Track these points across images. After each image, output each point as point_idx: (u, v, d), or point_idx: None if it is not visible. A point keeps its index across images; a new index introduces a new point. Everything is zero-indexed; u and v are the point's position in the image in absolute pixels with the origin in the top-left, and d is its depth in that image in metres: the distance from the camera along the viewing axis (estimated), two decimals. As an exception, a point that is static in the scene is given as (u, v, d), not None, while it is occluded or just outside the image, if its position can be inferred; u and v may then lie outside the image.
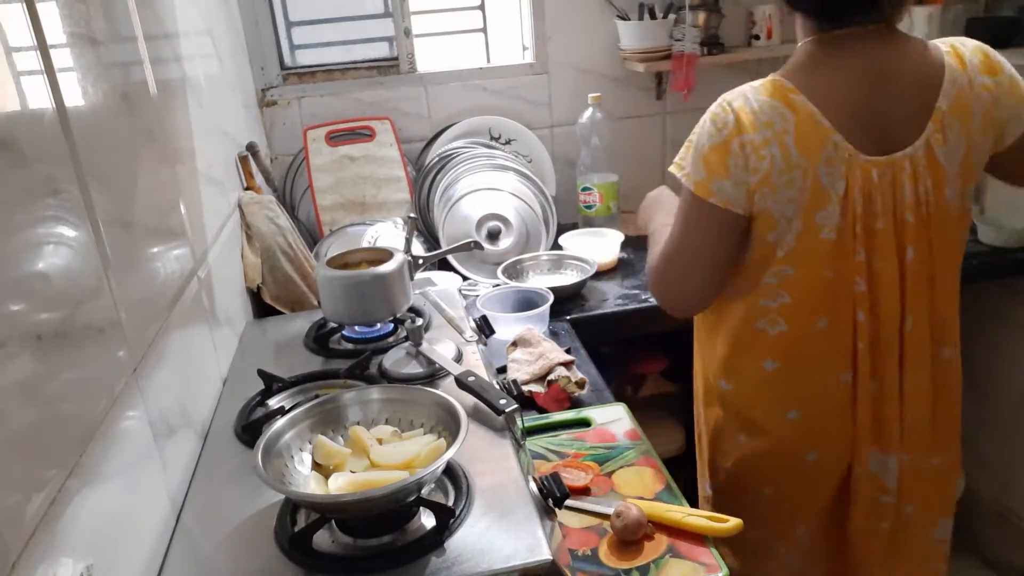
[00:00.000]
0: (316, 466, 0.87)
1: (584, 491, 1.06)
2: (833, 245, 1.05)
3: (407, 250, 1.40)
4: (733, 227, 1.08)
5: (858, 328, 1.08)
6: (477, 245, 1.47)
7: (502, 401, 0.97)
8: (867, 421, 1.11)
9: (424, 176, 2.04)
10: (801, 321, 1.11)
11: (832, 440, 1.13)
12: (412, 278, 1.32)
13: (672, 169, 1.13)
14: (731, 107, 1.05)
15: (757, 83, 1.07)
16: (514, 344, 1.44)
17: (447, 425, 0.87)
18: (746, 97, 1.05)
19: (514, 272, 1.84)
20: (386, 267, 1.25)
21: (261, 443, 0.83)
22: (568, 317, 1.66)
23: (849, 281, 1.07)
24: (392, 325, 1.31)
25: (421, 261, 1.39)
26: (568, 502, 0.97)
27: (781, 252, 1.08)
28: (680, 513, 0.98)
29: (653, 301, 1.69)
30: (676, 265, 1.14)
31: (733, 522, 0.95)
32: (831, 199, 1.03)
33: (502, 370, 1.38)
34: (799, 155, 1.02)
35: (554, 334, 1.58)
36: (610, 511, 0.99)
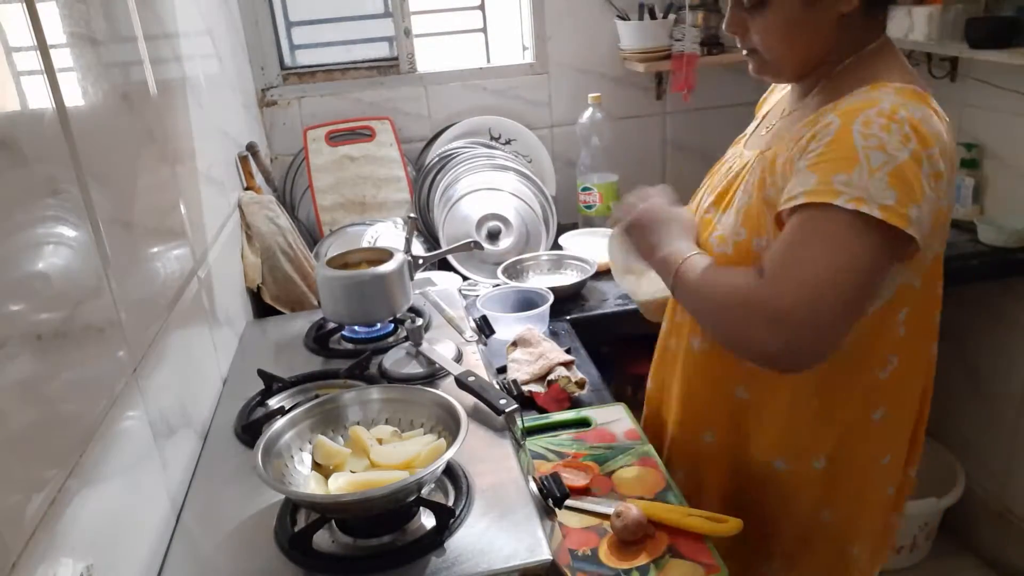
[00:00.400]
0: (316, 466, 0.87)
1: (584, 491, 1.06)
2: (940, 262, 1.03)
3: (407, 250, 1.40)
4: (897, 258, 0.92)
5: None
6: (477, 245, 1.47)
7: (502, 401, 0.97)
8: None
9: (424, 176, 2.04)
10: (913, 352, 1.03)
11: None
12: (412, 278, 1.32)
13: (832, 199, 0.86)
14: (899, 115, 0.87)
15: (888, 90, 0.91)
16: (514, 344, 1.44)
17: (447, 425, 0.87)
18: (903, 104, 0.89)
19: (514, 272, 1.84)
20: (386, 267, 1.25)
21: (261, 443, 0.83)
22: (568, 317, 1.66)
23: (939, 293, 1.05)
24: (392, 325, 1.31)
25: (421, 261, 1.39)
26: (568, 502, 0.96)
27: (918, 283, 0.99)
28: (680, 513, 0.98)
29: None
30: (836, 306, 0.87)
31: (733, 522, 0.95)
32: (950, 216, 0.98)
33: (502, 370, 1.38)
34: (954, 168, 0.94)
35: (554, 334, 1.58)
36: (610, 511, 0.98)
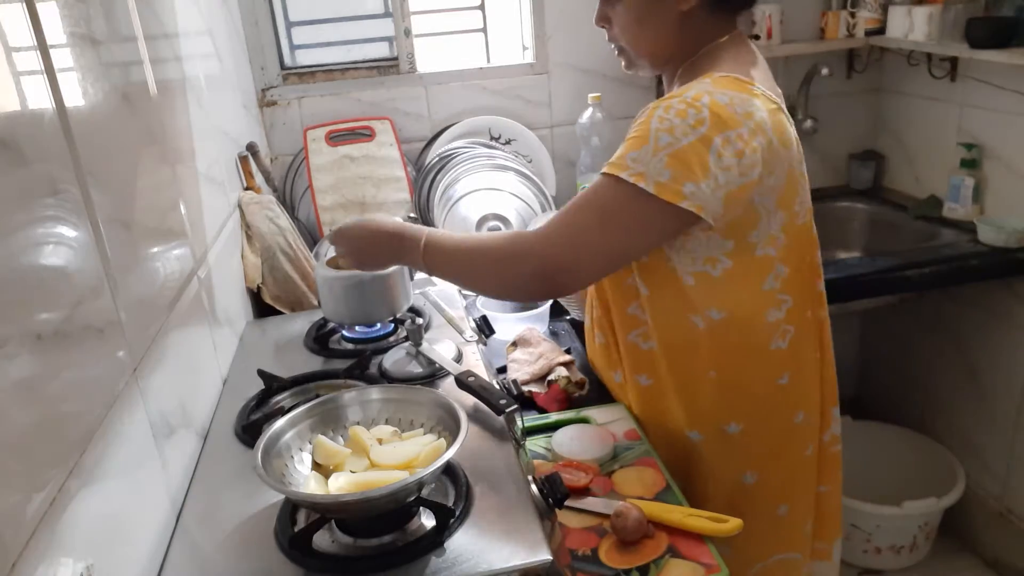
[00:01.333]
0: (316, 466, 0.87)
1: (584, 491, 1.06)
2: (806, 229, 1.11)
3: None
4: (677, 231, 1.02)
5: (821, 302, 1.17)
6: None
7: (502, 401, 0.97)
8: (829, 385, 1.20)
9: (424, 176, 2.04)
10: (800, 315, 1.11)
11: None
12: (412, 278, 1.32)
13: (612, 171, 0.98)
14: (700, 101, 0.97)
15: (707, 80, 1.01)
16: (514, 344, 1.44)
17: (447, 425, 0.87)
18: (709, 91, 0.98)
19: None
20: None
21: (261, 443, 0.83)
22: (568, 317, 1.66)
23: (816, 262, 1.14)
24: (392, 325, 1.32)
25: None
26: (568, 502, 0.97)
27: (763, 251, 1.06)
28: (680, 513, 0.98)
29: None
30: (586, 261, 1.01)
31: (733, 522, 0.95)
32: (802, 186, 1.08)
33: (502, 370, 1.38)
34: (780, 146, 1.02)
35: (554, 334, 1.58)
36: (610, 511, 0.98)
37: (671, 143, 0.96)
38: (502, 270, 1.04)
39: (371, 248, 1.15)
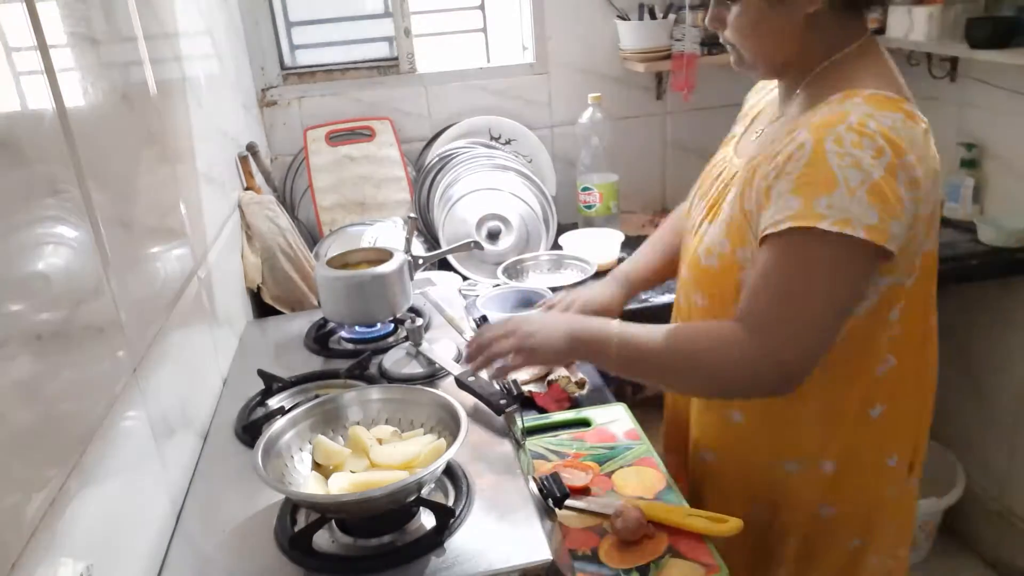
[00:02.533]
0: (316, 466, 0.87)
1: (584, 491, 1.06)
2: (934, 258, 1.02)
3: (407, 250, 1.40)
4: (877, 269, 0.93)
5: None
6: (477, 245, 1.47)
7: (502, 401, 0.96)
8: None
9: (424, 176, 2.04)
10: (910, 351, 1.04)
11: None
12: (412, 278, 1.32)
13: (806, 223, 0.87)
14: (868, 128, 0.87)
15: (858, 100, 0.91)
16: None
17: (447, 425, 0.87)
18: (871, 115, 0.89)
19: (514, 272, 1.83)
20: (386, 267, 1.25)
21: (261, 443, 0.83)
22: (568, 317, 1.65)
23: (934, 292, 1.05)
24: (392, 325, 1.32)
25: (421, 261, 1.39)
26: (568, 502, 0.97)
27: (910, 282, 0.99)
28: (680, 513, 0.98)
29: (654, 301, 1.70)
30: (820, 343, 0.91)
31: (733, 522, 0.95)
32: (938, 211, 1.00)
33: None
34: (936, 170, 0.94)
35: (554, 334, 1.58)
36: (610, 511, 0.98)
37: (863, 179, 0.86)
38: (721, 377, 0.95)
39: (549, 340, 1.02)
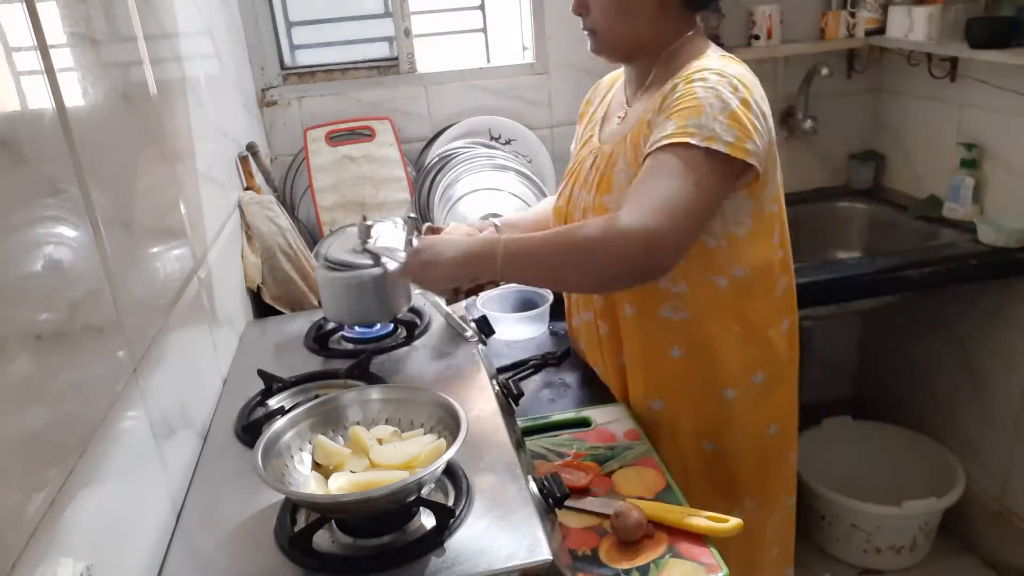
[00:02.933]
0: (316, 466, 0.87)
1: (584, 491, 1.06)
2: (779, 191, 1.21)
3: (407, 250, 1.40)
4: (733, 191, 1.11)
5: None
6: None
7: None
8: None
9: (424, 176, 2.04)
10: (789, 265, 1.23)
11: None
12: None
13: (680, 139, 1.03)
14: (726, 72, 1.08)
15: (713, 57, 1.13)
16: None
17: (447, 425, 0.87)
18: (725, 66, 1.10)
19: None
20: (388, 267, 1.25)
21: (261, 443, 0.83)
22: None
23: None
24: (392, 325, 1.32)
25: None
26: (568, 502, 0.97)
27: (769, 208, 1.17)
28: (680, 513, 0.98)
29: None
30: (684, 227, 1.03)
31: (733, 522, 0.95)
32: (777, 151, 1.17)
33: (502, 370, 1.38)
34: (770, 111, 1.13)
35: (554, 334, 1.58)
36: (610, 511, 0.99)
37: (723, 107, 1.04)
38: (599, 257, 1.03)
39: (437, 270, 1.15)
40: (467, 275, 1.15)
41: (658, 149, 1.06)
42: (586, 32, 1.20)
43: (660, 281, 1.17)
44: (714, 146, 1.03)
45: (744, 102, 1.06)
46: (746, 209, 1.14)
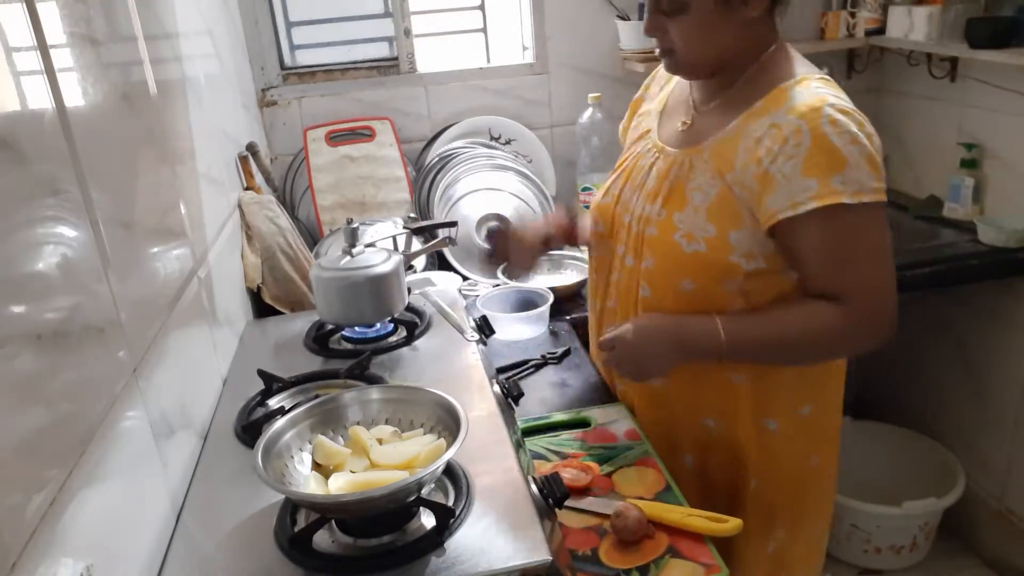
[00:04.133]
0: (316, 466, 0.87)
1: (584, 491, 1.06)
2: None
3: (407, 249, 1.40)
4: None
5: None
6: (451, 241, 1.51)
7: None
8: None
9: (424, 176, 2.04)
10: None
11: None
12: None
13: (830, 200, 0.98)
14: (846, 106, 1.01)
15: (814, 84, 1.04)
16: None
17: (447, 425, 0.87)
18: (838, 95, 1.03)
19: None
20: (381, 268, 1.25)
21: (261, 443, 0.83)
22: (568, 317, 1.65)
23: None
24: (392, 325, 1.32)
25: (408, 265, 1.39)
26: (568, 502, 0.97)
27: None
28: (680, 513, 0.98)
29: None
30: (894, 291, 1.06)
31: (733, 522, 0.95)
32: None
33: (502, 370, 1.38)
34: None
35: (554, 334, 1.58)
36: (610, 511, 0.98)
37: (861, 151, 0.99)
38: (838, 349, 1.11)
39: (651, 358, 1.12)
40: (685, 361, 1.13)
41: (810, 214, 0.99)
42: (659, 53, 1.13)
43: (720, 308, 1.10)
44: (866, 199, 0.99)
45: (869, 137, 1.00)
46: None
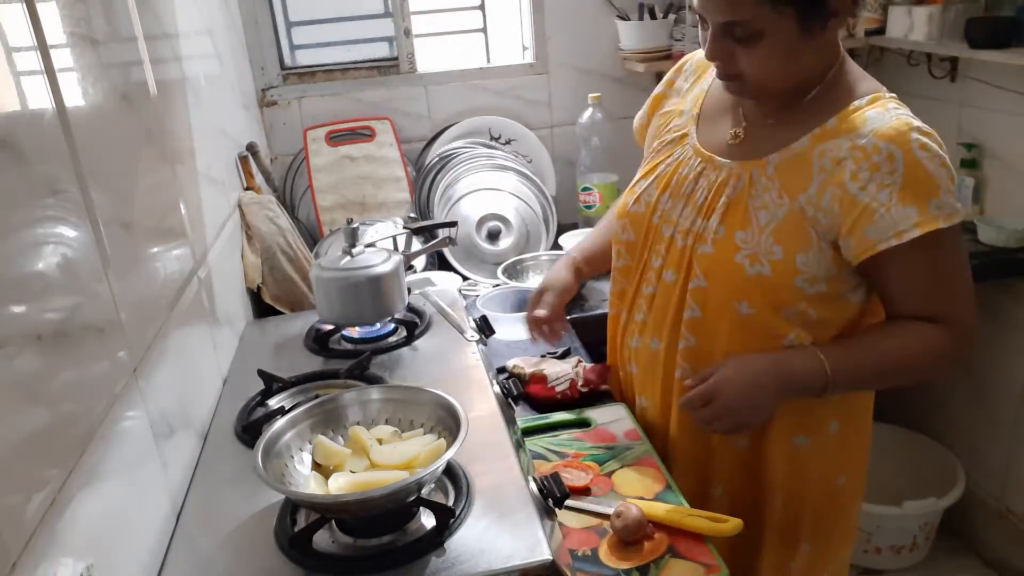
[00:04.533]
0: (316, 466, 0.87)
1: (584, 491, 1.06)
2: None
3: (407, 249, 1.40)
4: None
5: None
6: (452, 241, 1.50)
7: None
8: None
9: (424, 176, 2.04)
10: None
11: None
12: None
13: (929, 227, 0.97)
14: (927, 128, 1.00)
15: (893, 103, 1.03)
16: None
17: (447, 425, 0.87)
18: (914, 116, 1.01)
19: (514, 272, 1.83)
20: (381, 268, 1.25)
21: (261, 443, 0.83)
22: (568, 317, 1.65)
23: None
24: (392, 325, 1.32)
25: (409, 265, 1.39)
26: (568, 502, 0.96)
27: None
28: (680, 513, 0.98)
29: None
30: (971, 301, 1.06)
31: (733, 522, 0.95)
32: None
33: (502, 370, 1.38)
34: None
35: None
36: (610, 511, 0.99)
37: (948, 174, 0.99)
38: (934, 372, 1.18)
39: (755, 408, 1.06)
40: (788, 398, 1.08)
41: (912, 243, 0.97)
42: (724, 78, 1.06)
43: (790, 333, 1.07)
44: (956, 220, 1.00)
45: (946, 157, 1.00)
46: None
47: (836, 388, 1.04)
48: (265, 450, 0.82)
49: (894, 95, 1.05)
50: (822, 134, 1.02)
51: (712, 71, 1.12)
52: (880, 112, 1.00)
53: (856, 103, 1.02)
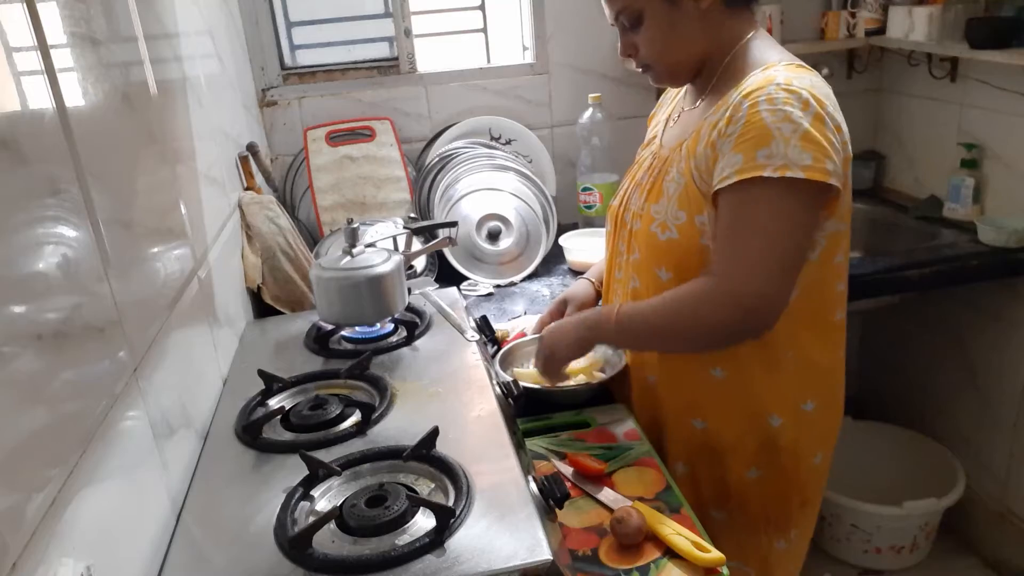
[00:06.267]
0: None
1: (599, 476, 1.06)
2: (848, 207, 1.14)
3: (407, 249, 1.40)
4: (820, 215, 1.05)
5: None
6: (452, 241, 1.51)
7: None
8: None
9: (424, 176, 2.04)
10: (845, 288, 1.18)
11: None
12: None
13: (751, 173, 0.98)
14: (794, 85, 1.00)
15: (778, 68, 1.04)
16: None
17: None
18: (794, 77, 1.01)
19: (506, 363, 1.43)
20: (381, 268, 1.25)
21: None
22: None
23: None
24: (392, 325, 1.32)
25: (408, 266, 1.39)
26: (587, 489, 1.01)
27: (844, 227, 1.11)
28: (670, 529, 0.96)
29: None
30: (781, 281, 1.02)
31: (715, 555, 0.91)
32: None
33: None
34: (844, 121, 1.07)
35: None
36: (617, 507, 0.99)
37: (795, 129, 0.97)
38: (702, 327, 1.06)
39: (563, 341, 1.19)
40: (589, 339, 1.18)
41: (732, 187, 1.00)
42: (640, 69, 1.17)
43: None
44: (790, 174, 0.97)
45: (817, 118, 0.99)
46: (823, 230, 1.08)
47: (620, 326, 1.11)
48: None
49: (798, 63, 1.07)
50: (718, 106, 1.07)
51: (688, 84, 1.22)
52: (760, 73, 1.04)
53: (752, 73, 1.06)
